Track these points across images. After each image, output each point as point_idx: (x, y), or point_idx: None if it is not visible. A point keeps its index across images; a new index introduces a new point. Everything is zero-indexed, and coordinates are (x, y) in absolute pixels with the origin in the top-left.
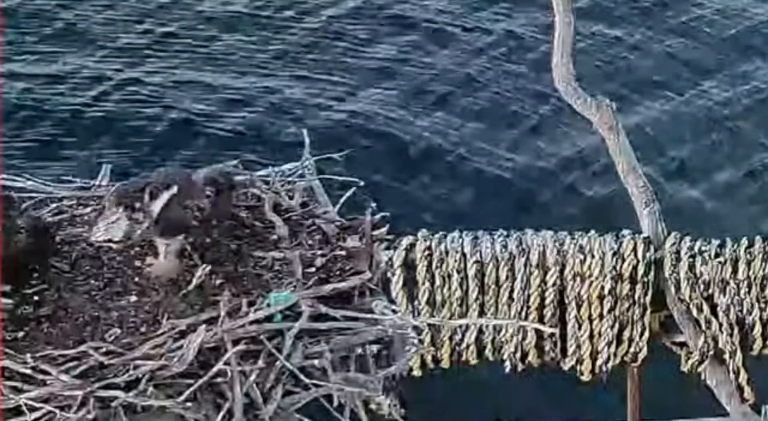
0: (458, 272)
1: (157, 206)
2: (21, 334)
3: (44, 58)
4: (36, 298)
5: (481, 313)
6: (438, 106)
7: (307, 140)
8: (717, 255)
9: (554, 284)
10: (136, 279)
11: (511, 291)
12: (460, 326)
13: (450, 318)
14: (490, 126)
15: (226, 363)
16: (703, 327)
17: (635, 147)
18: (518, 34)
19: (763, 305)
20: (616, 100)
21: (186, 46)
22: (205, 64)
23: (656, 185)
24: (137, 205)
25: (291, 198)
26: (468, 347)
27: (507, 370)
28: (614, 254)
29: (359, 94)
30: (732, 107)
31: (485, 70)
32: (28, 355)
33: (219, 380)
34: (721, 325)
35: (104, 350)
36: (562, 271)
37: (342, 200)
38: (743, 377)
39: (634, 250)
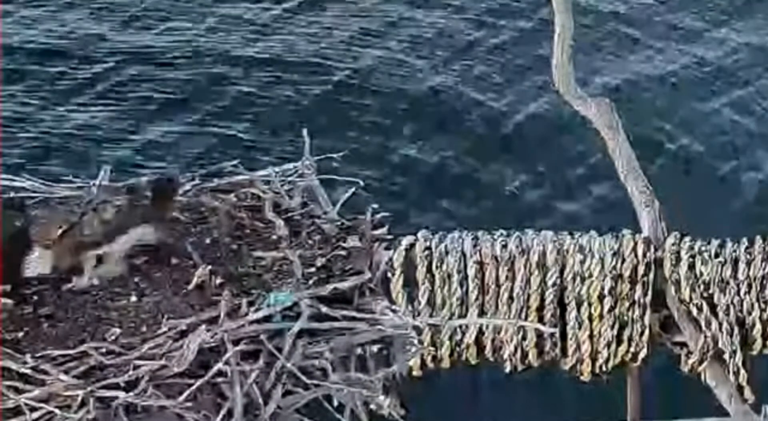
0: (458, 272)
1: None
2: (21, 334)
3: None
4: (36, 298)
5: (481, 313)
6: (432, 126)
7: (307, 140)
8: (717, 255)
9: (554, 284)
10: (135, 279)
11: (511, 291)
12: (460, 326)
13: (450, 318)
14: (488, 124)
15: (226, 363)
16: (703, 327)
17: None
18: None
19: (763, 305)
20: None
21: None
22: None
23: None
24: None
25: (291, 198)
26: (468, 347)
27: (507, 370)
28: (614, 254)
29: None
30: (737, 110)
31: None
32: (28, 355)
33: (219, 380)
34: (721, 325)
35: (104, 350)
36: (562, 271)
37: (342, 200)
38: (743, 377)
39: (634, 250)
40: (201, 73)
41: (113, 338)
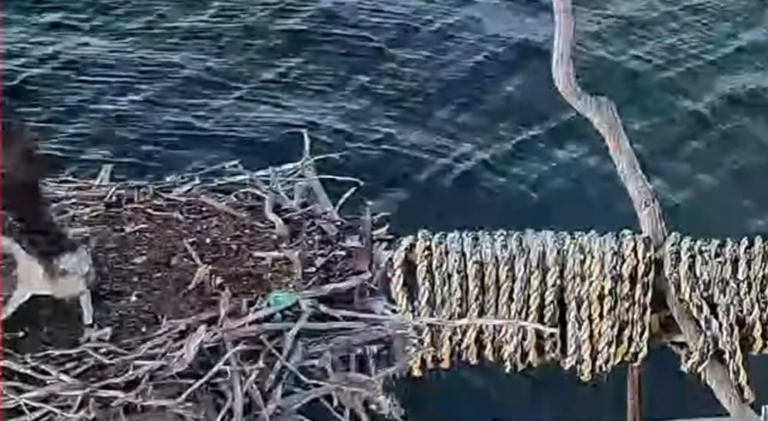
0: (458, 272)
1: None
2: (21, 334)
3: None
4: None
5: (481, 313)
6: (432, 105)
7: (307, 140)
8: (717, 255)
9: (554, 284)
10: (135, 279)
11: (511, 291)
12: (460, 326)
13: (450, 318)
14: (488, 124)
15: (226, 363)
16: (703, 327)
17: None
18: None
19: (763, 305)
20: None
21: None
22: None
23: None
24: None
25: (291, 198)
26: (468, 347)
27: (507, 370)
28: (614, 254)
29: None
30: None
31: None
32: (28, 355)
33: (219, 380)
34: (721, 325)
35: (104, 350)
36: (562, 271)
37: (342, 200)
38: (743, 377)
39: (634, 250)
40: (202, 73)
41: (113, 338)
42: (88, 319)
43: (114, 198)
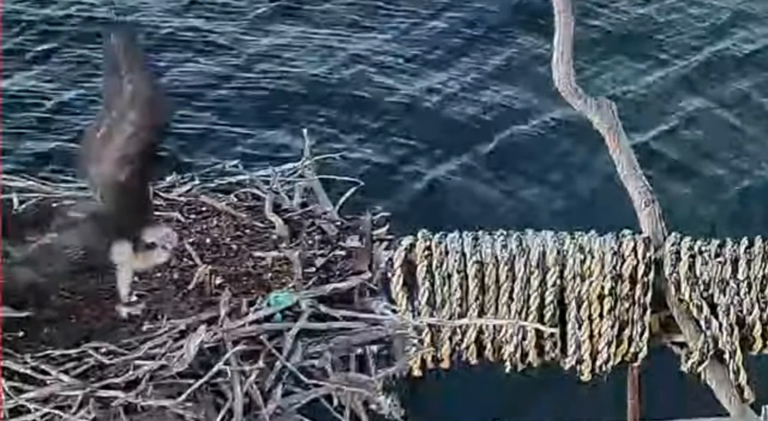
0: (458, 272)
1: None
2: (21, 334)
3: None
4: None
5: (481, 313)
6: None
7: (307, 140)
8: (717, 255)
9: (554, 284)
10: (135, 279)
11: (511, 291)
12: (460, 326)
13: (450, 318)
14: (490, 123)
15: (226, 363)
16: (703, 327)
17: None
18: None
19: (763, 305)
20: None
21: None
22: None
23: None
24: None
25: (291, 198)
26: (468, 347)
27: (507, 370)
28: (614, 254)
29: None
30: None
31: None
32: (28, 355)
33: (219, 380)
34: (721, 325)
35: (104, 350)
36: (562, 271)
37: (342, 200)
38: (743, 377)
39: (634, 250)
40: (202, 72)
41: (113, 338)
42: (125, 297)
43: None
